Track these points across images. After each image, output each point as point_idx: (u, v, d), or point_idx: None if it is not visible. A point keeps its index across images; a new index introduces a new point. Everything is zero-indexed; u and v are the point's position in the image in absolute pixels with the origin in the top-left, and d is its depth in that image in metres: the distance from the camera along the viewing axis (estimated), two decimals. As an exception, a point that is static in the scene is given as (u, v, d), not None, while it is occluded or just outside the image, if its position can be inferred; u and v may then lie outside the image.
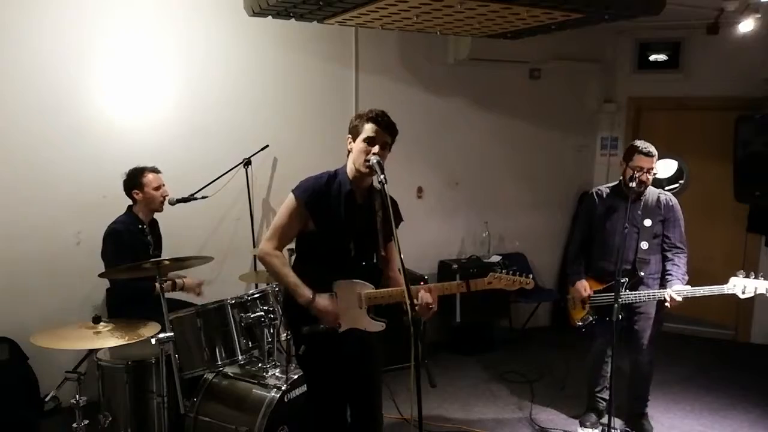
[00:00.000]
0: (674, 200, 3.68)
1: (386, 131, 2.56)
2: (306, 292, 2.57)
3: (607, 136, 6.26)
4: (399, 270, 2.35)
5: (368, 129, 2.54)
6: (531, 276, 2.65)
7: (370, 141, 2.54)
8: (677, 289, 3.44)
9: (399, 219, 2.77)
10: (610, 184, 3.82)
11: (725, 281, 3.36)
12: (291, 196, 2.64)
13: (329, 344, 2.63)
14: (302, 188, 2.64)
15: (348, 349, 2.66)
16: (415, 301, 2.54)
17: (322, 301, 2.57)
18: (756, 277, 3.28)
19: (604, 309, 3.62)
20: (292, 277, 2.60)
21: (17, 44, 3.83)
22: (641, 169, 3.50)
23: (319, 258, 2.65)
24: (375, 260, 2.69)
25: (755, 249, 5.70)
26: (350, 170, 2.63)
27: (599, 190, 3.82)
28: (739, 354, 5.56)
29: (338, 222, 2.62)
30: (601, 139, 6.30)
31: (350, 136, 2.62)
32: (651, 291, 3.57)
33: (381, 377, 2.90)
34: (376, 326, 2.65)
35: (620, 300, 3.39)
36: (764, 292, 3.26)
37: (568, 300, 3.86)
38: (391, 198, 2.61)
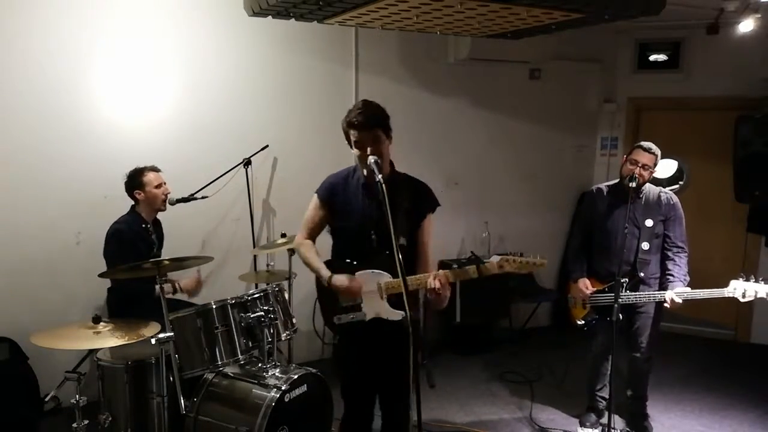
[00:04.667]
0: (675, 199, 3.67)
1: (368, 129, 2.54)
2: (325, 272, 2.71)
3: (607, 136, 6.27)
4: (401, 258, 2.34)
5: (352, 135, 2.58)
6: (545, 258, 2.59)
7: (358, 144, 2.57)
8: (678, 291, 3.43)
9: (430, 206, 2.80)
10: (610, 182, 3.81)
11: (725, 282, 3.35)
12: (314, 194, 2.81)
13: (361, 333, 2.72)
14: (322, 185, 2.80)
15: (382, 338, 2.70)
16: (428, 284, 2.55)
17: (339, 278, 2.67)
18: (756, 281, 3.28)
19: (604, 309, 3.62)
20: (315, 261, 2.76)
21: (18, 44, 3.83)
22: (635, 162, 3.52)
23: (346, 250, 2.76)
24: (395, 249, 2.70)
25: (755, 249, 5.70)
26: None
27: (599, 187, 3.82)
28: (739, 354, 5.56)
29: (356, 214, 2.70)
30: (601, 139, 6.30)
31: (347, 142, 2.67)
32: (651, 292, 3.57)
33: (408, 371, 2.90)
34: (396, 315, 2.65)
35: (620, 300, 3.39)
36: (764, 296, 3.25)
37: (569, 299, 3.85)
38: (422, 184, 2.78)
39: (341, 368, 2.95)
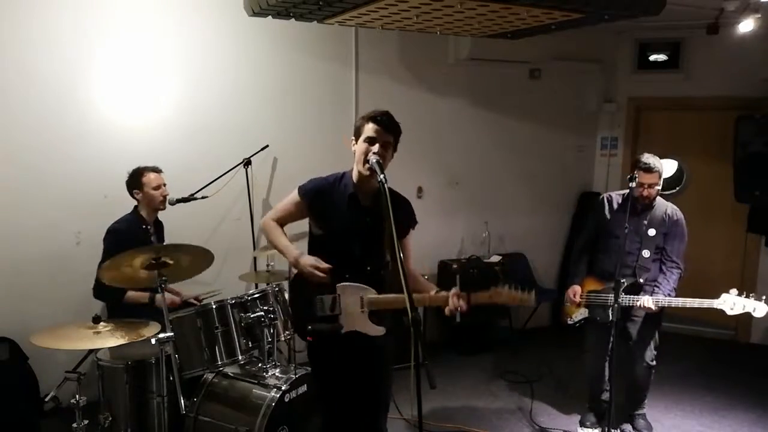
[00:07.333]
0: (680, 216, 3.68)
1: (387, 131, 2.55)
2: (293, 251, 2.66)
3: (607, 136, 6.27)
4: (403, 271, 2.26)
5: (368, 129, 2.54)
6: (533, 291, 2.60)
7: (370, 141, 2.53)
8: (660, 299, 3.48)
9: (411, 221, 2.75)
10: (622, 192, 3.81)
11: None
12: (296, 190, 2.72)
13: (335, 343, 2.64)
14: (307, 186, 2.71)
15: (355, 350, 2.65)
16: (451, 304, 2.53)
17: (308, 258, 2.61)
18: (747, 296, 3.35)
19: (594, 309, 3.70)
20: (282, 240, 2.72)
21: (18, 45, 3.83)
22: (642, 184, 3.54)
23: (327, 260, 2.64)
24: (380, 264, 2.66)
25: (755, 249, 5.70)
26: (354, 173, 2.63)
27: (610, 196, 3.83)
28: (739, 354, 5.56)
29: (340, 223, 2.63)
30: (601, 139, 6.30)
31: (354, 138, 2.62)
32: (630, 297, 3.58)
33: (389, 388, 2.85)
34: (377, 330, 2.63)
35: (609, 302, 3.46)
36: (751, 312, 3.33)
37: (564, 297, 3.89)
38: (404, 198, 2.72)
39: (315, 375, 2.86)
